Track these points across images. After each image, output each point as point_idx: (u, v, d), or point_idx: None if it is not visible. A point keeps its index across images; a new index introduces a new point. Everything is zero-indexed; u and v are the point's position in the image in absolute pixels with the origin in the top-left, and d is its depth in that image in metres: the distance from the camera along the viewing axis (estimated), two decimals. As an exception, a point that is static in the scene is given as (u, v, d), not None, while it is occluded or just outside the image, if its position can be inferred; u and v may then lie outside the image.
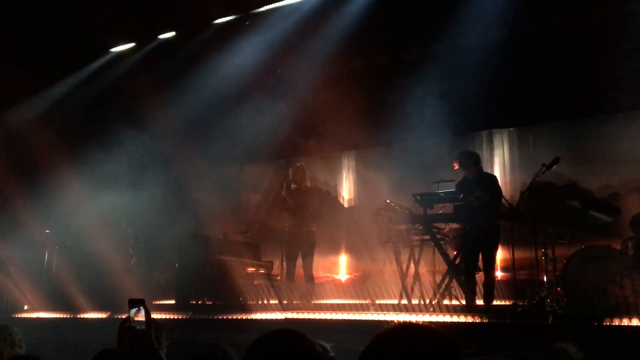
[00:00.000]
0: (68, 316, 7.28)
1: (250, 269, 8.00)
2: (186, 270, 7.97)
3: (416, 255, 6.51)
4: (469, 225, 6.12)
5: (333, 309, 7.12)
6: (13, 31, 9.55)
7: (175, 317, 6.47)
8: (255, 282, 7.84)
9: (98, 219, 9.02)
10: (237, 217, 10.96)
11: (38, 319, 7.50)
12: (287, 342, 1.77)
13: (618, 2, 8.23)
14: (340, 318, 5.71)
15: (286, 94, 9.72)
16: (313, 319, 5.77)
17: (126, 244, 8.74)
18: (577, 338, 4.33)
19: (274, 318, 5.94)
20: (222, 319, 6.28)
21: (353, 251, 10.10)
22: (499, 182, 6.82)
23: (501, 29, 8.93)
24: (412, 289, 6.46)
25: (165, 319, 6.21)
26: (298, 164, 7.30)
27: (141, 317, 2.39)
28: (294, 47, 9.70)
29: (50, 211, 9.40)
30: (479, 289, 6.28)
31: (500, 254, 7.42)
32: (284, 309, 6.47)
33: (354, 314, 5.74)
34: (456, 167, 6.48)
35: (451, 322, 5.10)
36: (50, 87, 11.15)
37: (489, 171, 8.45)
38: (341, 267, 10.23)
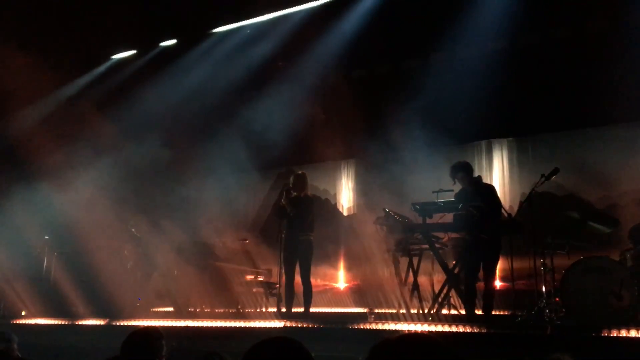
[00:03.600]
0: (66, 323, 7.26)
1: (249, 277, 8.01)
2: (185, 277, 7.97)
3: (415, 265, 6.51)
4: (468, 235, 6.12)
5: (331, 318, 7.12)
6: (16, 37, 9.58)
7: (174, 325, 6.46)
8: (254, 290, 7.84)
9: (97, 224, 9.02)
10: (236, 224, 10.97)
11: (36, 325, 7.48)
12: (283, 350, 1.77)
13: (617, 13, 8.27)
14: (338, 327, 5.69)
15: (287, 101, 9.75)
16: (311, 328, 5.76)
17: (124, 246, 8.68)
18: (575, 349, 4.34)
19: (272, 326, 5.92)
20: (221, 327, 6.27)
21: (352, 260, 10.09)
22: (498, 192, 6.82)
23: (501, 40, 8.98)
24: (410, 298, 6.44)
25: (164, 327, 6.20)
26: (300, 172, 7.26)
27: None
28: (295, 56, 9.75)
29: (50, 217, 9.39)
30: (478, 299, 6.27)
31: (500, 264, 7.42)
32: (282, 317, 6.46)
33: (353, 323, 5.72)
34: (453, 183, 6.44)
35: (449, 332, 5.09)
36: (52, 92, 11.19)
37: (488, 181, 8.47)
38: (340, 275, 10.22)
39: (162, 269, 8.53)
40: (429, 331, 5.14)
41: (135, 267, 8.49)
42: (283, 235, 6.99)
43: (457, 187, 6.50)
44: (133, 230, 8.58)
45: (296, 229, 6.91)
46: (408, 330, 5.19)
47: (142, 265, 8.48)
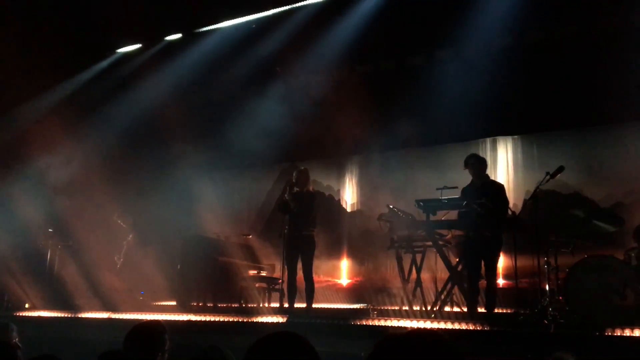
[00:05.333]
0: (69, 315, 7.29)
1: (252, 272, 8.01)
2: (188, 271, 7.98)
3: (418, 261, 6.49)
4: (472, 232, 6.09)
5: (334, 314, 7.10)
6: (22, 29, 9.60)
7: (176, 319, 6.47)
8: (257, 285, 7.84)
9: (101, 218, 9.04)
10: (240, 219, 10.98)
11: (39, 317, 7.51)
12: (287, 345, 1.76)
13: (624, 12, 8.22)
14: (340, 323, 5.69)
15: (291, 97, 9.74)
16: (313, 323, 5.76)
17: (114, 236, 8.68)
18: (578, 348, 4.32)
19: (274, 321, 5.93)
20: (223, 322, 6.27)
21: (355, 256, 10.10)
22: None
23: (507, 37, 8.94)
24: (413, 295, 6.44)
25: (166, 320, 6.21)
26: (302, 168, 7.29)
27: None
28: (300, 51, 9.72)
29: (54, 210, 9.41)
30: (481, 296, 6.25)
31: (503, 262, 7.40)
32: (284, 312, 6.46)
33: (355, 319, 5.72)
34: (464, 168, 6.42)
35: (452, 329, 5.08)
36: (58, 84, 11.21)
37: (493, 178, 8.44)
38: (343, 271, 10.23)
39: (152, 260, 8.53)
40: (430, 328, 5.13)
41: (124, 259, 8.46)
42: (286, 231, 7.00)
43: (462, 183, 6.48)
44: (119, 222, 8.57)
45: (299, 225, 6.91)
46: (411, 327, 5.18)
47: (131, 257, 8.46)
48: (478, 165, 6.36)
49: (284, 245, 6.98)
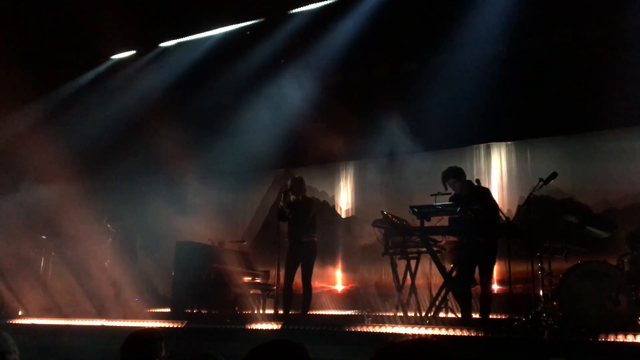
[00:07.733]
0: (63, 323, 7.24)
1: (246, 278, 8.00)
2: (182, 278, 7.96)
3: (412, 267, 6.49)
4: (466, 238, 6.11)
5: (328, 320, 7.09)
6: (15, 37, 9.57)
7: (170, 326, 6.44)
8: (251, 292, 7.83)
9: (92, 223, 8.99)
10: (234, 225, 10.97)
11: (33, 325, 7.46)
12: (283, 353, 1.76)
13: (616, 19, 8.29)
14: (335, 329, 5.68)
15: (285, 103, 9.76)
16: (309, 330, 5.75)
17: (105, 241, 8.60)
18: (572, 353, 4.34)
19: (269, 328, 5.91)
20: (218, 329, 6.25)
21: (349, 262, 10.09)
22: (496, 196, 6.81)
23: (500, 44, 8.99)
24: (408, 301, 6.44)
25: (160, 328, 6.19)
26: (297, 176, 7.32)
27: None
28: (295, 57, 9.75)
29: (48, 216, 9.37)
30: (475, 302, 6.27)
31: (497, 268, 7.42)
32: (279, 319, 6.45)
33: (350, 325, 5.70)
34: (445, 190, 6.43)
35: (447, 336, 5.08)
36: (51, 92, 11.18)
37: (486, 184, 8.47)
38: (337, 277, 10.21)
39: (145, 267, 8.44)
40: (426, 334, 5.14)
41: (112, 264, 8.40)
42: (286, 238, 7.01)
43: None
44: (108, 226, 8.49)
45: (299, 231, 6.91)
46: (406, 334, 5.18)
47: (119, 262, 8.39)
48: (456, 179, 6.36)
49: (286, 252, 6.97)
